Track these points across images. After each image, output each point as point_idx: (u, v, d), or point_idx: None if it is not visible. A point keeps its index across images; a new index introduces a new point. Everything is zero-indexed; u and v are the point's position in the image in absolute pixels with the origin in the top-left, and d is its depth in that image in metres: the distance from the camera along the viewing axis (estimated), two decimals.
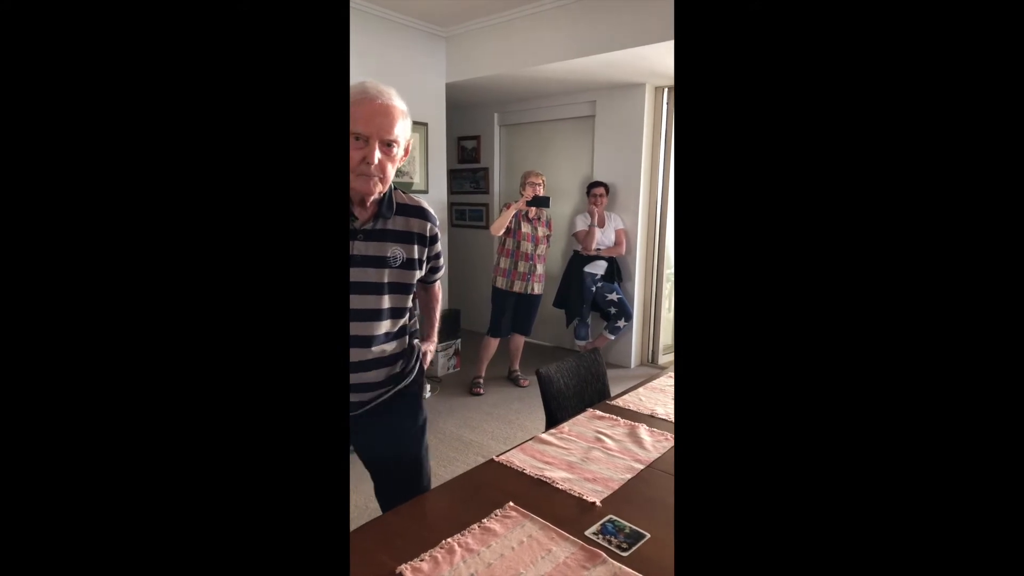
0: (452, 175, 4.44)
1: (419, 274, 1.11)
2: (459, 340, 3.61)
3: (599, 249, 3.45)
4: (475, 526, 0.90)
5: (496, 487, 1.04)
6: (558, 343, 4.05)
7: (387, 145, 0.97)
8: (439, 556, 0.82)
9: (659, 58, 2.83)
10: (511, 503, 0.97)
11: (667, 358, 3.83)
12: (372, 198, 1.01)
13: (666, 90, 3.47)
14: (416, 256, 1.08)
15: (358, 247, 1.02)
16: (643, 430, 1.29)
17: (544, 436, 1.26)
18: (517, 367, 3.37)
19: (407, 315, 1.13)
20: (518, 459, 1.14)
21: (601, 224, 3.43)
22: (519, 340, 3.33)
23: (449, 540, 0.86)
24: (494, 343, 3.21)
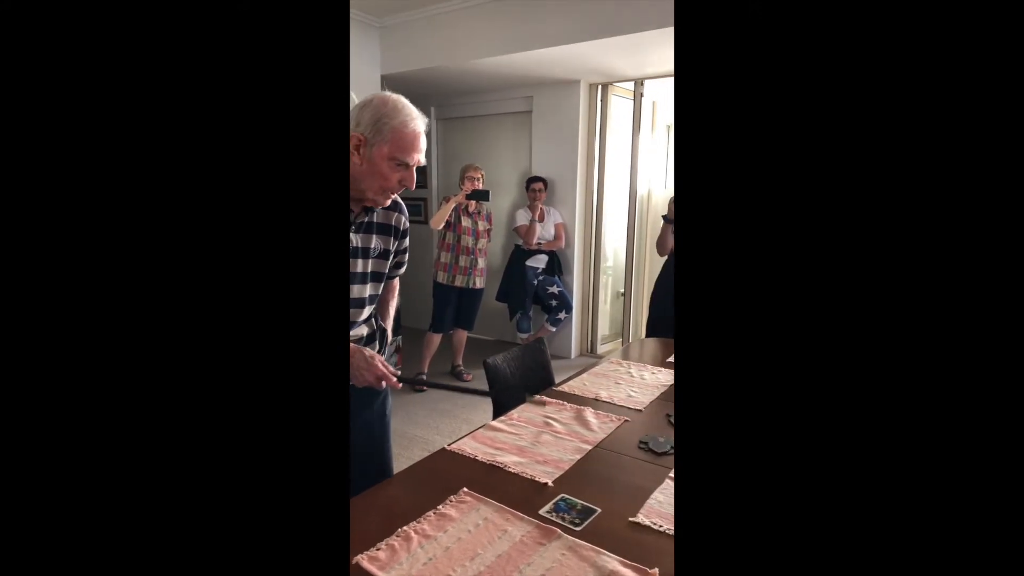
0: None
1: (387, 264, 1.18)
2: (400, 337, 3.56)
3: (540, 243, 3.50)
4: (431, 513, 0.90)
5: (450, 474, 1.04)
6: (500, 336, 4.08)
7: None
8: (396, 544, 0.82)
9: (594, 55, 2.91)
10: (465, 489, 0.97)
11: (605, 348, 3.95)
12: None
13: (600, 87, 3.57)
14: (391, 247, 1.17)
15: (352, 239, 1.08)
16: (589, 413, 1.34)
17: (494, 423, 1.27)
18: (460, 362, 3.36)
19: (376, 303, 1.21)
20: (470, 446, 1.15)
21: (541, 218, 3.49)
22: (462, 335, 3.32)
23: (405, 528, 0.86)
24: (436, 338, 3.19)
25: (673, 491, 0.98)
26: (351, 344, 1.07)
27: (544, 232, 3.51)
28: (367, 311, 1.15)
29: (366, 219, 1.10)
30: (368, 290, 1.14)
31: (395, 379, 1.04)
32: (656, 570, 0.76)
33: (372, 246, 1.11)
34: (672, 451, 1.14)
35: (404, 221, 1.19)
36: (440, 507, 0.92)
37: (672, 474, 1.04)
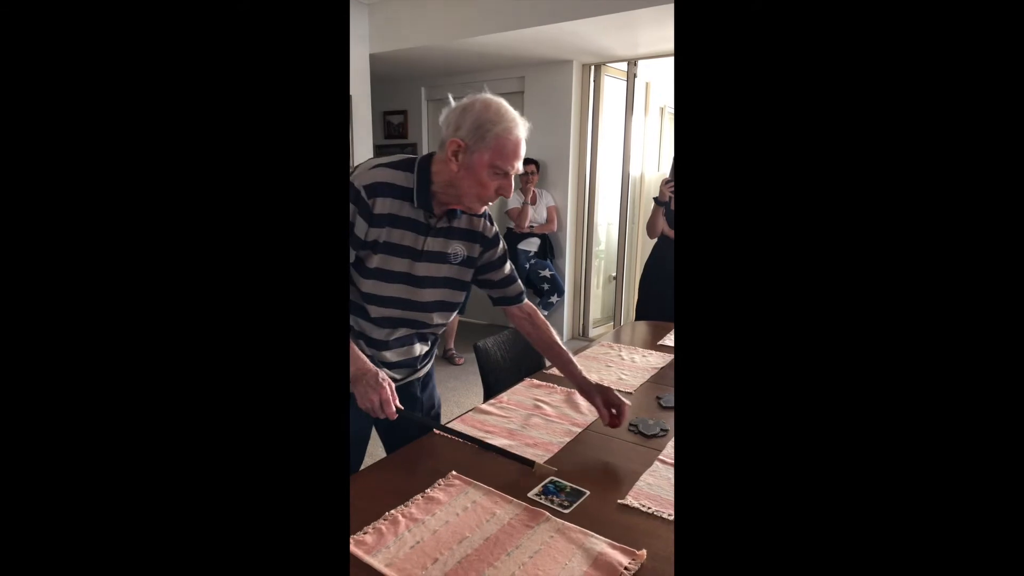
0: (378, 152, 4.30)
1: (471, 272, 1.14)
2: None
3: (532, 226, 3.48)
4: (418, 496, 0.90)
5: (438, 457, 1.04)
6: (493, 320, 4.07)
7: None
8: (383, 528, 0.81)
9: (587, 35, 2.86)
10: (454, 472, 0.97)
11: (597, 331, 3.96)
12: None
13: (593, 67, 3.52)
14: (475, 255, 1.13)
15: (429, 243, 1.06)
16: (579, 395, 1.33)
17: (484, 406, 1.27)
18: (452, 345, 3.36)
19: (456, 310, 1.17)
20: (459, 429, 1.15)
21: (533, 201, 3.46)
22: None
23: (393, 512, 0.85)
24: None
25: (661, 473, 0.98)
26: (365, 364, 0.98)
27: (536, 215, 3.49)
28: (437, 316, 1.11)
29: (447, 224, 1.07)
30: (439, 295, 1.09)
31: (393, 410, 0.97)
32: (644, 551, 0.76)
33: (452, 251, 1.09)
34: (662, 433, 1.14)
35: (492, 228, 1.14)
36: (428, 490, 0.92)
37: (661, 456, 1.04)
